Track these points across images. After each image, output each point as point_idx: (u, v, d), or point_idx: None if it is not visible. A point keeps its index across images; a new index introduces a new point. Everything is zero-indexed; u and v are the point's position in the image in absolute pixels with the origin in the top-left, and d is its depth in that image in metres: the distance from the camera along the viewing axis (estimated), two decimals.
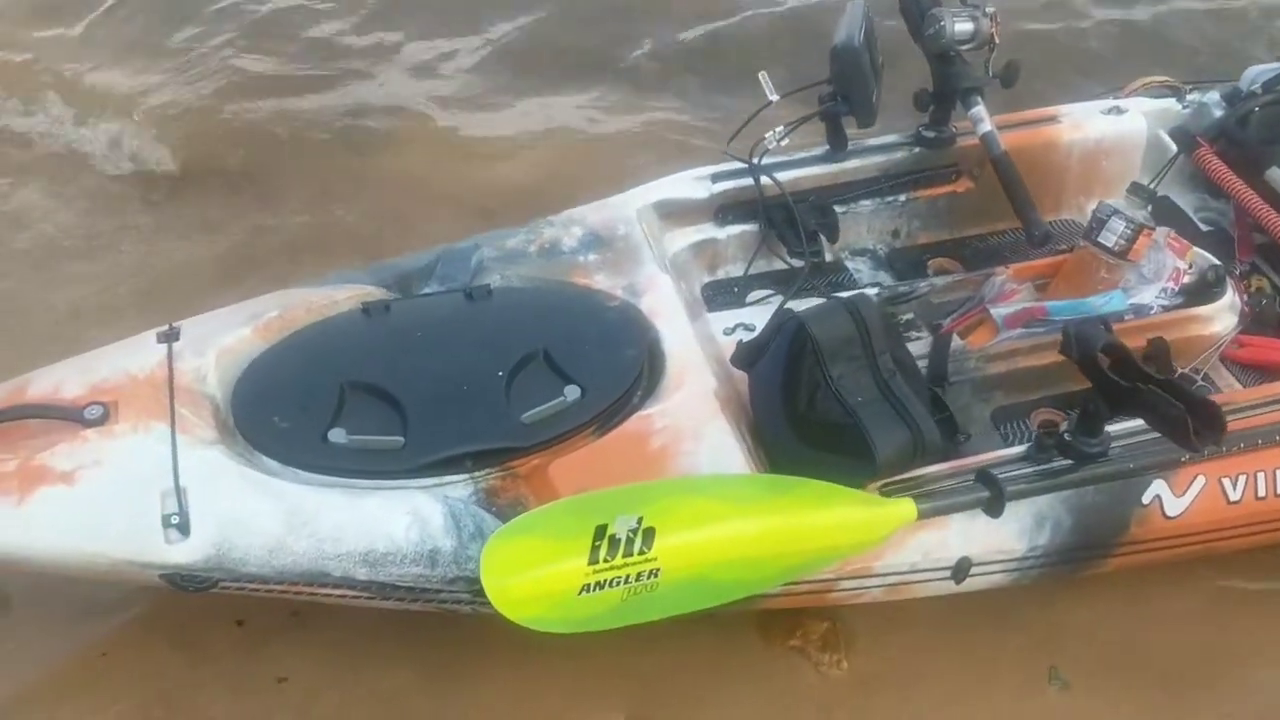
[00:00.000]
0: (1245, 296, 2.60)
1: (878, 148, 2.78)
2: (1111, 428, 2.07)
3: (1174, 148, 2.95)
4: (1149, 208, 2.51)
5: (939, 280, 2.63)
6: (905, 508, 1.96)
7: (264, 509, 1.95)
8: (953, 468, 2.09)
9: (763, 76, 2.57)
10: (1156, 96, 3.04)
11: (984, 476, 2.02)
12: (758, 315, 2.54)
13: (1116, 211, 2.52)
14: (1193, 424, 1.84)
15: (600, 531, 1.81)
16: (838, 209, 2.77)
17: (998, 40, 2.63)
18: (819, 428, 2.03)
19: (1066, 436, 2.07)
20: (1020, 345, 2.47)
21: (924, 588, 2.14)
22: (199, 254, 3.43)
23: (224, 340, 2.22)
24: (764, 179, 2.64)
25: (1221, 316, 2.57)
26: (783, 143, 2.60)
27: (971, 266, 2.80)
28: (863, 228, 2.84)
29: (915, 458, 2.01)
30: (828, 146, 2.71)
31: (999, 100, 2.80)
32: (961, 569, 2.10)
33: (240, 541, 1.92)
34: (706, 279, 2.75)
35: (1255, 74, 2.91)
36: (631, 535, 1.81)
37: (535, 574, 1.81)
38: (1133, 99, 3.01)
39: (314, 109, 4.07)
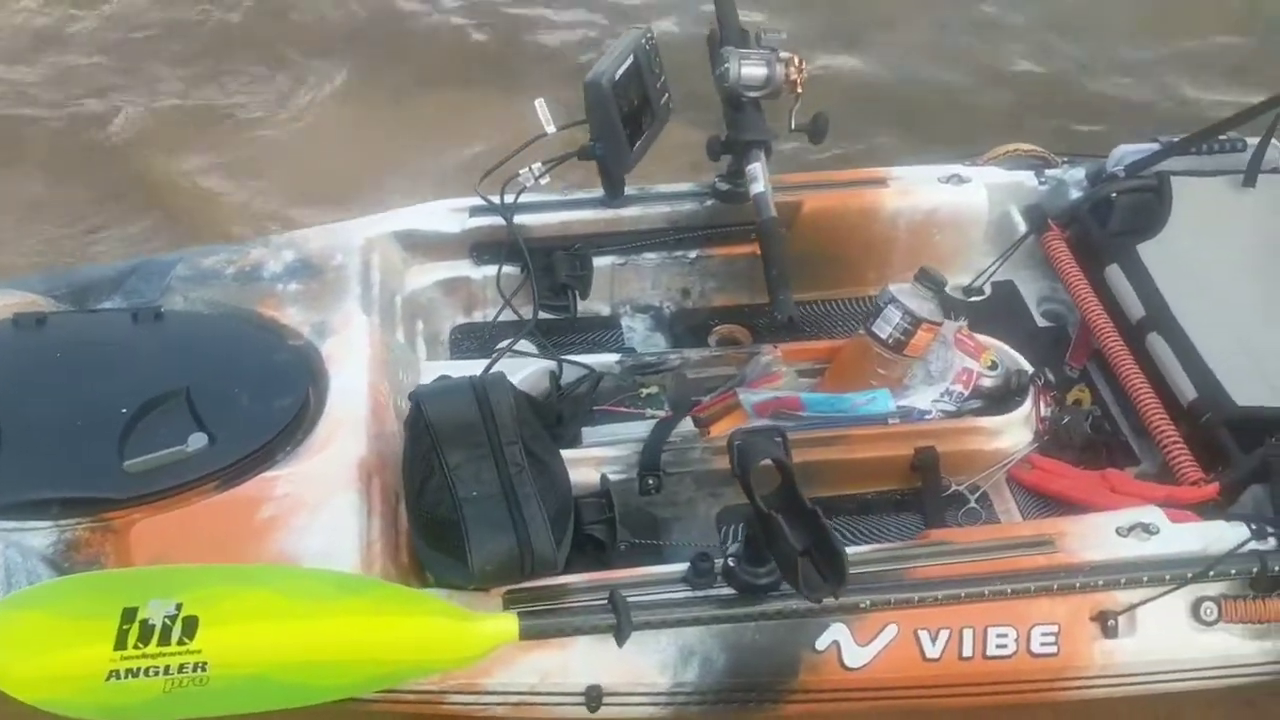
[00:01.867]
0: (1047, 412, 2.26)
1: (664, 196, 2.49)
2: None
3: (1023, 227, 2.61)
4: (935, 300, 2.18)
5: (693, 353, 2.33)
6: (505, 625, 1.69)
7: None
8: (592, 580, 1.81)
9: (539, 104, 2.29)
10: (1022, 167, 2.69)
11: (613, 599, 1.74)
12: (479, 370, 2.27)
13: (894, 299, 2.19)
14: (802, 570, 1.55)
15: (129, 615, 1.57)
16: (615, 260, 2.50)
17: (800, 89, 2.31)
18: (429, 519, 1.77)
19: (730, 562, 1.78)
20: None
21: (555, 710, 1.85)
22: None
23: None
24: (522, 219, 2.37)
25: (1011, 431, 2.24)
26: (542, 181, 2.32)
27: (762, 339, 2.50)
28: (646, 282, 2.55)
29: (524, 570, 1.73)
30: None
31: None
32: (593, 697, 1.81)
33: None
34: (460, 320, 2.50)
35: (1121, 154, 2.55)
36: (169, 622, 1.57)
37: (49, 654, 1.59)
38: (987, 167, 2.67)
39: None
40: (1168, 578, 1.85)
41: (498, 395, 1.76)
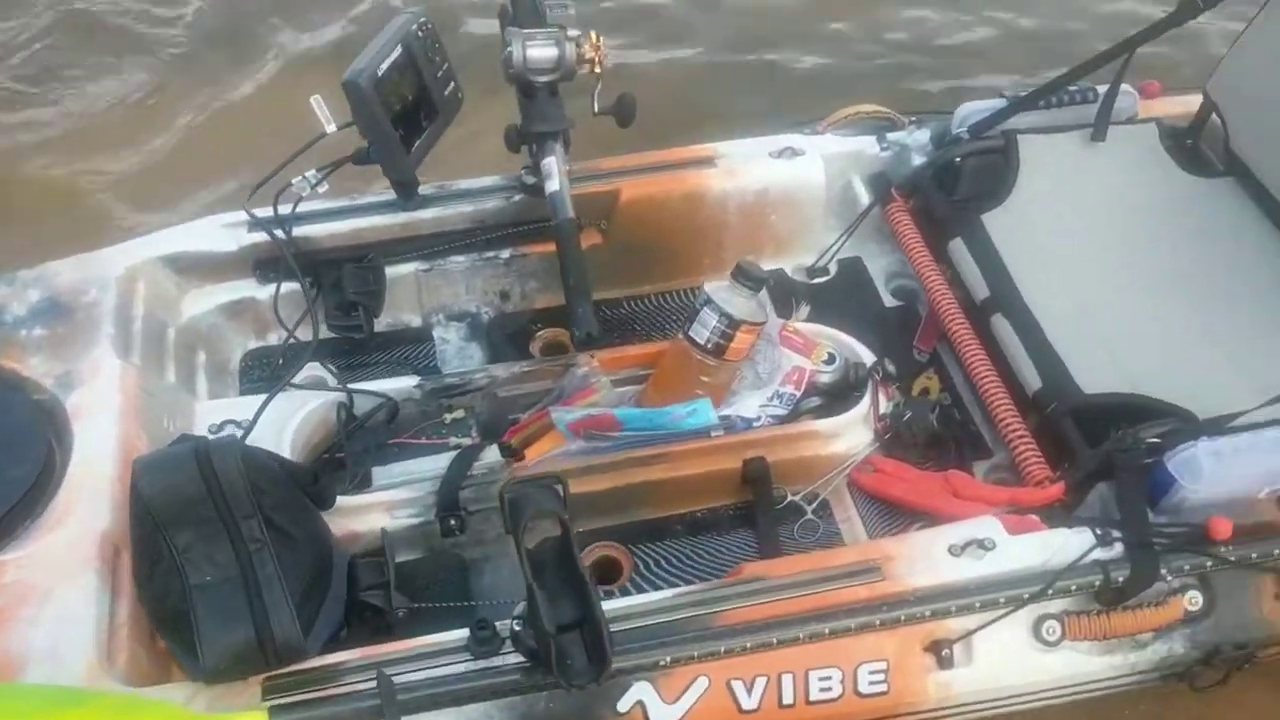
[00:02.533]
0: (887, 407, 2.08)
1: (466, 194, 2.25)
2: None
3: (866, 198, 2.41)
4: (754, 298, 1.98)
5: (501, 369, 2.12)
6: None
7: None
8: (365, 656, 1.61)
9: (316, 102, 2.03)
10: (867, 131, 2.48)
11: (379, 680, 1.54)
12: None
13: (709, 301, 1.99)
14: (556, 654, 1.37)
15: None
16: (419, 267, 2.27)
17: (600, 67, 2.08)
18: (159, 608, 1.56)
19: (516, 627, 1.59)
20: (576, 464, 1.97)
21: None
22: None
23: None
24: (306, 230, 2.13)
25: (848, 433, 2.06)
26: (320, 189, 2.08)
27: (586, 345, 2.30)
28: (459, 288, 2.32)
29: (267, 661, 1.53)
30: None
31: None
32: None
33: None
34: (254, 344, 2.26)
35: (966, 113, 2.35)
36: None
37: None
38: (826, 135, 2.46)
39: None
40: (1003, 600, 1.69)
41: (225, 463, 1.53)
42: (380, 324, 2.28)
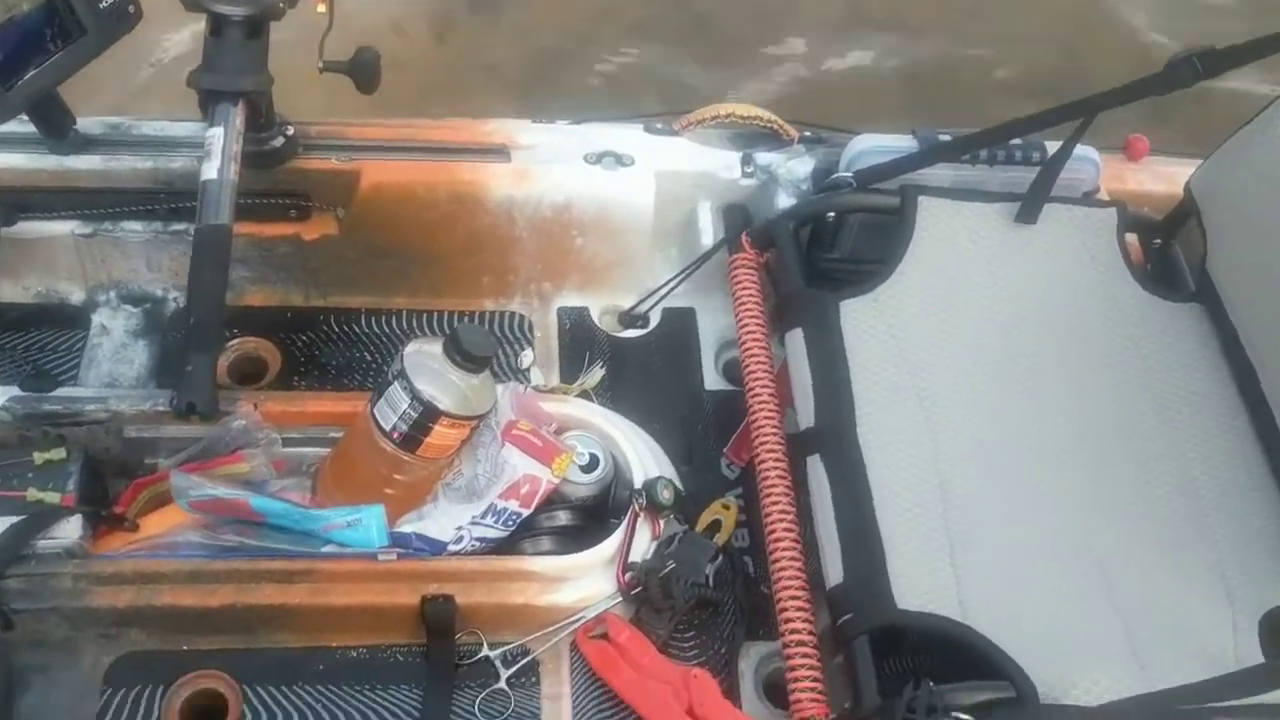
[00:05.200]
0: (647, 548, 1.51)
1: (147, 142, 1.64)
2: None
3: (711, 236, 1.79)
4: (475, 378, 1.38)
5: (135, 399, 1.53)
6: None
7: None
8: None
9: None
10: (740, 144, 1.84)
11: None
12: None
13: (403, 373, 1.40)
14: None
15: None
16: (78, 228, 1.66)
17: (326, 9, 1.45)
18: None
19: None
20: (184, 565, 1.41)
21: None
22: None
23: None
24: None
25: (580, 580, 1.49)
26: None
27: (294, 366, 1.71)
28: (137, 262, 1.72)
29: None
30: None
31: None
32: None
33: None
34: None
35: (858, 150, 1.70)
36: None
37: None
38: (682, 137, 1.82)
39: None
40: None
41: None
42: (26, 291, 1.70)
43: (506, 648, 1.48)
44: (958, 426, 1.48)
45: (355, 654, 1.47)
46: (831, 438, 1.48)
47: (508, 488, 1.47)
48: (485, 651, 1.47)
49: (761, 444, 1.55)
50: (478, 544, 1.47)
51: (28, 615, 1.38)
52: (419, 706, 1.44)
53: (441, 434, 1.40)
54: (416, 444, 1.41)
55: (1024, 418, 1.51)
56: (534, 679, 1.48)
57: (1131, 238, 1.75)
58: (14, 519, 1.41)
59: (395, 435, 1.41)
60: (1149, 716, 1.21)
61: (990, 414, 1.50)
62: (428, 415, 1.38)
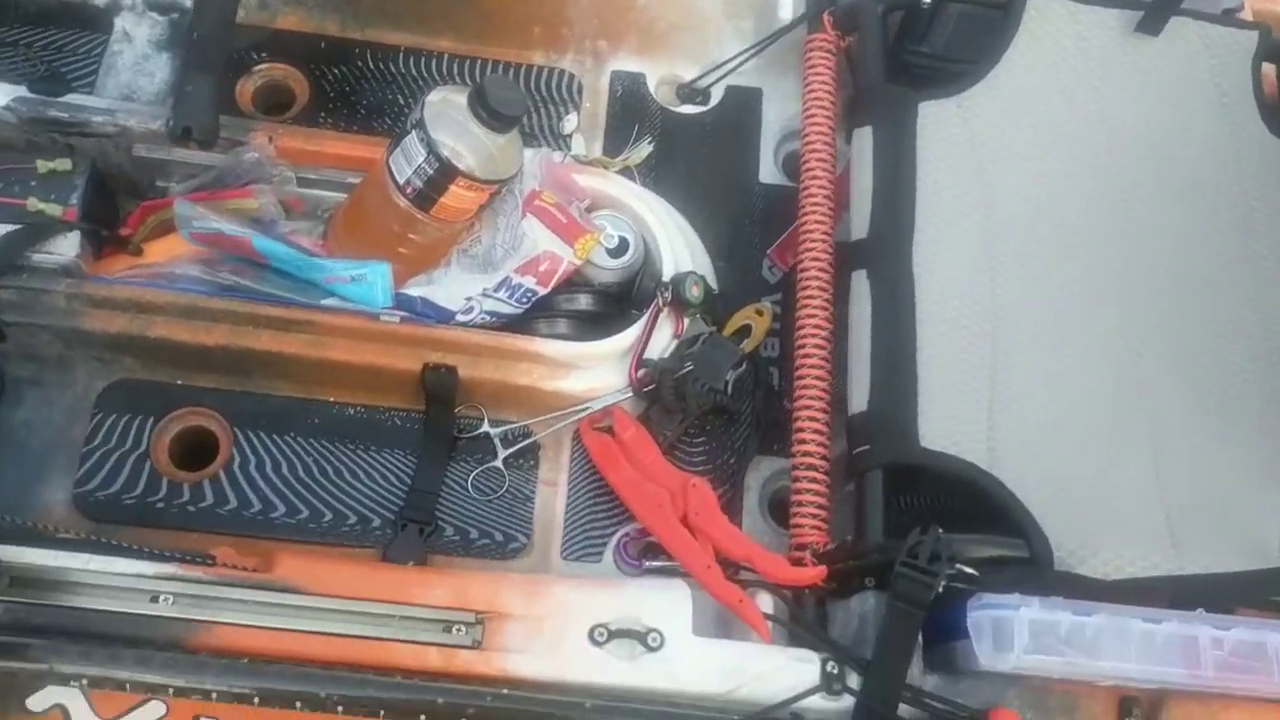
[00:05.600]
0: (666, 344, 1.41)
1: None
2: None
3: (789, 11, 1.60)
4: (502, 136, 1.25)
5: (142, 115, 1.42)
6: None
7: None
8: None
9: None
10: None
11: None
12: None
13: (421, 123, 1.27)
14: None
15: None
16: None
17: None
18: None
19: None
20: (184, 300, 1.34)
21: None
22: None
23: None
24: None
25: (590, 370, 1.40)
26: None
27: (322, 99, 1.59)
28: None
29: None
30: None
31: None
32: None
33: None
34: None
35: None
36: None
37: None
38: None
39: None
40: None
41: None
42: None
43: (508, 427, 1.42)
44: (1025, 259, 1.33)
45: (353, 412, 1.42)
46: (883, 252, 1.34)
47: (525, 263, 1.37)
48: (485, 428, 1.42)
49: (807, 249, 1.42)
50: (488, 318, 1.39)
51: (20, 328, 1.34)
52: (412, 473, 1.40)
53: (458, 195, 1.29)
54: (430, 203, 1.30)
55: (1103, 259, 1.35)
56: (532, 462, 1.43)
57: (1269, 69, 1.53)
58: (12, 227, 1.36)
59: (409, 191, 1.30)
60: (1170, 602, 1.12)
61: (1065, 249, 1.35)
62: (444, 173, 1.27)
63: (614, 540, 1.39)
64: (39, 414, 1.38)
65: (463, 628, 1.13)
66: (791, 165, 1.63)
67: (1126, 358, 1.29)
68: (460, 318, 1.37)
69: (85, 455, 1.35)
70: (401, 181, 1.30)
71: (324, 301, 1.34)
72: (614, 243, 1.45)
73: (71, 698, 1.11)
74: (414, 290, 1.36)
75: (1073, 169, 1.38)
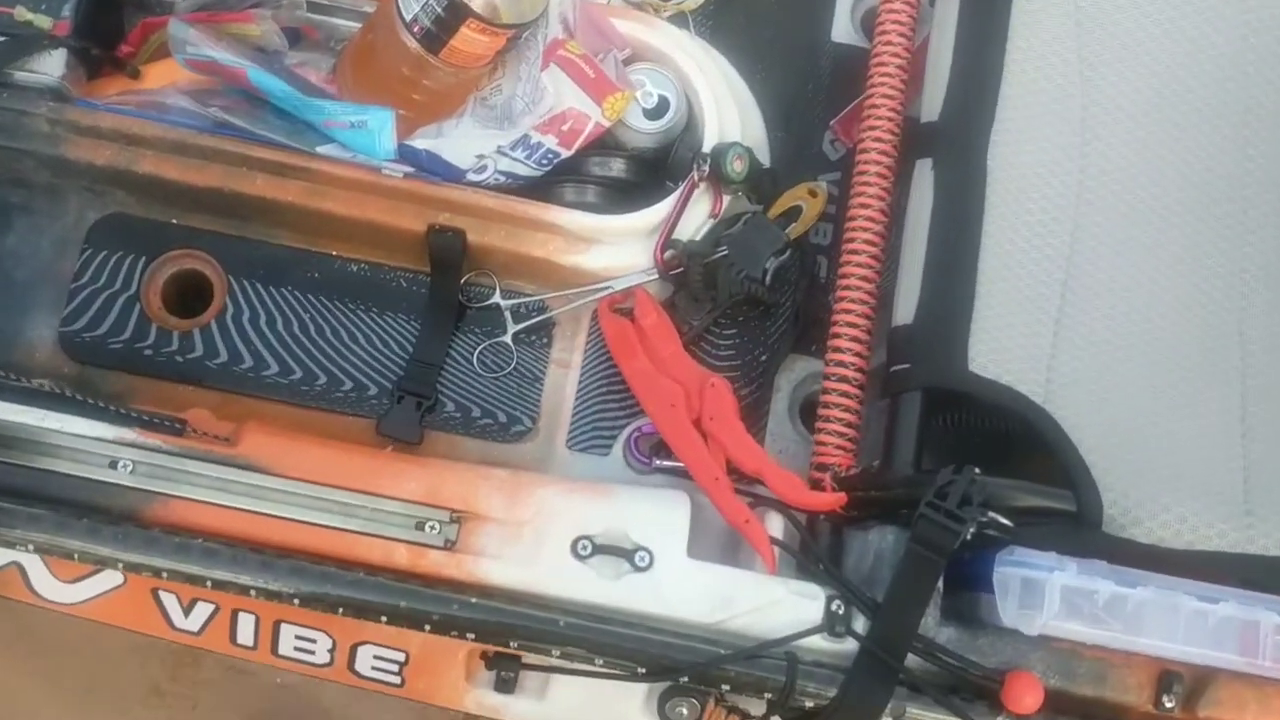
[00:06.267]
0: (702, 222, 1.26)
1: None
2: None
3: None
4: None
5: None
6: None
7: None
8: None
9: None
10: None
11: None
12: None
13: None
14: None
15: None
16: None
17: None
18: None
19: None
20: (176, 134, 1.22)
21: None
22: None
23: None
24: None
25: (613, 246, 1.26)
26: None
27: None
28: None
29: None
30: None
31: None
32: None
33: None
34: None
35: None
36: None
37: None
38: None
39: None
40: (609, 663, 1.03)
41: None
42: None
43: (521, 300, 1.30)
44: (1123, 166, 1.13)
45: (356, 268, 1.30)
46: (955, 140, 1.16)
47: (547, 120, 1.21)
48: (497, 299, 1.30)
49: (869, 127, 1.24)
50: (502, 178, 1.25)
51: (3, 151, 1.25)
52: (414, 340, 1.29)
53: (469, 39, 1.14)
54: (440, 44, 1.15)
55: (1217, 174, 1.14)
56: (545, 340, 1.31)
57: None
58: None
59: (416, 29, 1.15)
60: (1234, 581, 0.97)
61: (1173, 158, 1.15)
62: (453, 12, 1.11)
63: (625, 433, 1.28)
64: (27, 243, 1.29)
65: (436, 525, 1.04)
66: (870, 24, 1.41)
67: (1226, 290, 1.11)
68: (471, 176, 1.23)
69: (73, 293, 1.27)
70: (409, 18, 1.14)
71: (320, 149, 1.21)
72: (653, 102, 1.28)
73: (28, 558, 1.07)
74: (420, 142, 1.22)
75: (1196, 61, 1.16)
